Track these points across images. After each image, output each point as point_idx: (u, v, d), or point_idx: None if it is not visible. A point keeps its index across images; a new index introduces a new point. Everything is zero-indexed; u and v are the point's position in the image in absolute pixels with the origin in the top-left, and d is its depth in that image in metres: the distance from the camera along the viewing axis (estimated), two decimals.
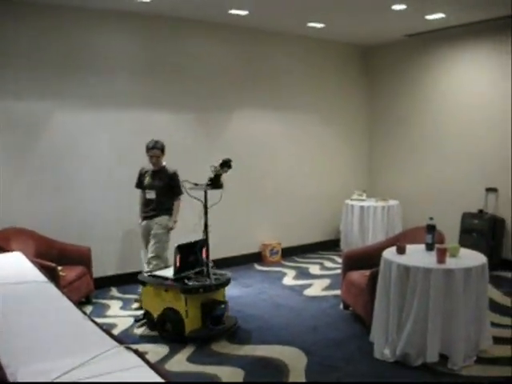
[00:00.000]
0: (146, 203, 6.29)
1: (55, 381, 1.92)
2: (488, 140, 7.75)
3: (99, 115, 6.79)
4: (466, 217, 7.83)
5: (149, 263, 6.05)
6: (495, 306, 5.91)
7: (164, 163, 6.26)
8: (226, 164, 5.37)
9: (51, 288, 3.37)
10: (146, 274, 5.48)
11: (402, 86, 9.04)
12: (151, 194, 6.22)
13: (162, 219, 6.19)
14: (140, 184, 6.37)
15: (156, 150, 6.13)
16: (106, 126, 6.83)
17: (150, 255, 6.07)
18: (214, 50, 7.75)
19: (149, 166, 6.28)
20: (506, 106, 7.47)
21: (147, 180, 6.25)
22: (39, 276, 3.71)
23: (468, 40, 7.91)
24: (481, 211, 7.76)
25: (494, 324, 5.13)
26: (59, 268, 5.52)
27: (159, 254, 6.09)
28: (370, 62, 9.62)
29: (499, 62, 7.54)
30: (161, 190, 6.20)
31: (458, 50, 8.10)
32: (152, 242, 6.11)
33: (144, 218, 6.29)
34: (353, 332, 5.33)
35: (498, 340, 4.87)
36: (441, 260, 4.47)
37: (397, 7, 6.66)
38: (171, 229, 6.22)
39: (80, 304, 5.95)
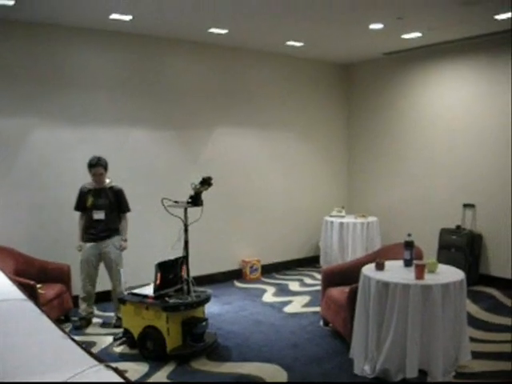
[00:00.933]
0: (93, 225, 6.03)
1: None
2: (465, 157, 7.86)
3: (78, 132, 6.78)
4: (444, 233, 7.90)
5: (115, 292, 6.07)
6: (474, 321, 5.98)
7: (108, 180, 6.12)
8: (206, 182, 5.37)
9: (30, 306, 3.34)
10: (125, 292, 5.44)
11: (381, 103, 9.15)
12: (99, 215, 5.99)
13: (116, 240, 6.09)
14: (81, 205, 6.10)
15: (100, 167, 5.95)
16: (85, 143, 6.79)
17: (115, 283, 6.05)
18: (193, 67, 7.79)
19: (89, 185, 6.09)
20: (484, 123, 7.60)
21: (91, 200, 6.03)
22: (18, 294, 3.68)
23: (446, 58, 8.05)
24: (458, 227, 7.84)
25: (472, 339, 5.17)
26: (38, 286, 5.46)
27: (120, 278, 6.04)
28: (348, 79, 9.73)
29: (477, 80, 7.69)
30: (109, 209, 6.05)
31: (436, 68, 8.23)
32: (111, 268, 6.06)
33: (91, 240, 6.03)
34: (333, 348, 5.34)
35: (476, 355, 4.91)
36: (419, 276, 4.50)
37: (374, 26, 6.76)
38: (124, 248, 6.15)
39: (59, 322, 5.89)
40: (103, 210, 6.02)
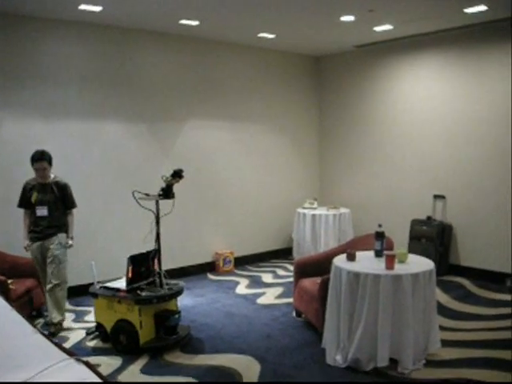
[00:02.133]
0: (37, 222, 5.73)
1: None
2: (436, 149, 7.95)
3: (49, 125, 6.70)
4: (415, 223, 8.01)
5: (52, 291, 5.62)
6: (443, 310, 6.07)
7: (52, 175, 5.84)
8: (177, 174, 5.36)
9: (0, 301, 3.32)
10: (97, 286, 5.41)
11: (353, 95, 9.20)
12: (42, 211, 5.69)
13: (62, 237, 5.76)
14: (25, 202, 5.81)
15: (43, 161, 5.61)
16: (56, 136, 6.73)
17: (54, 282, 5.61)
18: (165, 59, 7.75)
19: (33, 181, 5.79)
20: (454, 115, 7.70)
21: (35, 196, 5.72)
22: None
23: (417, 51, 8.12)
24: (429, 218, 7.95)
25: (442, 328, 5.27)
26: (9, 281, 5.42)
27: (64, 278, 5.74)
28: (321, 71, 9.76)
29: (446, 73, 7.77)
30: (54, 205, 5.75)
31: (407, 61, 8.29)
32: (53, 265, 5.65)
33: (36, 239, 5.73)
34: (305, 339, 5.39)
35: (446, 343, 5.00)
36: (389, 266, 4.56)
37: (345, 18, 6.80)
38: (71, 246, 5.84)
39: (31, 317, 5.87)
40: (46, 205, 5.72)
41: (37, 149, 5.71)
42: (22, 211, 5.94)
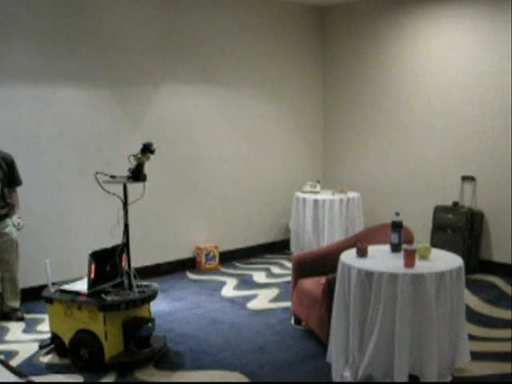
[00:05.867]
0: None
1: None
2: (464, 121, 7.92)
3: None
4: (439, 211, 8.00)
5: (12, 278, 6.24)
6: (473, 316, 6.08)
7: None
8: (146, 149, 5.31)
9: None
10: (53, 289, 5.38)
11: (363, 56, 9.14)
12: None
13: (14, 219, 6.17)
14: None
15: None
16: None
17: (13, 268, 6.21)
18: (134, 11, 7.64)
19: None
20: (487, 80, 7.66)
21: None
22: None
23: (441, 1, 8.05)
24: (456, 204, 7.94)
25: (471, 337, 5.28)
26: None
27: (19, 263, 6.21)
28: (325, 26, 9.69)
29: (478, 28, 7.71)
30: (3, 183, 6.04)
31: (429, 14, 8.22)
32: (11, 250, 6.16)
33: None
34: (306, 351, 5.38)
35: (476, 356, 5.00)
36: (409, 263, 4.54)
37: None
38: (22, 226, 6.22)
39: None
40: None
41: None
42: None
